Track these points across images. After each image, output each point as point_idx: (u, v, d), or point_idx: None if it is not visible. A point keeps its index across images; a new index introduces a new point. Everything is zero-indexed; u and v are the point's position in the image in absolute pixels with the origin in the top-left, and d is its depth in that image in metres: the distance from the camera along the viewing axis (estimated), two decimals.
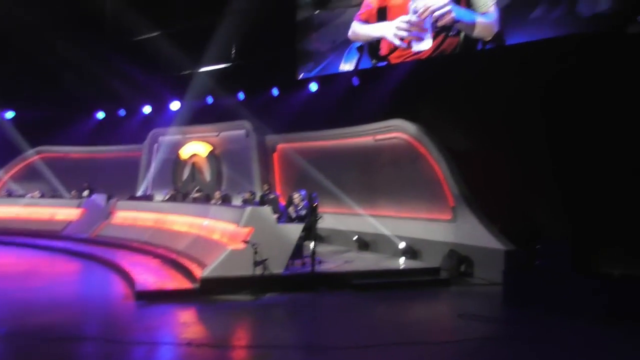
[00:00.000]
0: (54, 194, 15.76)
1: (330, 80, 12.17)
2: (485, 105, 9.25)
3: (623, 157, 7.83)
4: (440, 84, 10.09)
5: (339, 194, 11.89)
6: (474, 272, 8.99)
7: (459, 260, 9.03)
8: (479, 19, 9.59)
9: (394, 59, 10.75)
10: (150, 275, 8.28)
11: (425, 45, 10.12)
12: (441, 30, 9.84)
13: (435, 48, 10.08)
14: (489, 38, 9.54)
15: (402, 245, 10.14)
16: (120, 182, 16.21)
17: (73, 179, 16.24)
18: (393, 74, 10.93)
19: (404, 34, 10.16)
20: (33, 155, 17.70)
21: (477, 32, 9.67)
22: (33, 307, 6.68)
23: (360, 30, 11.15)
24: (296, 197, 9.53)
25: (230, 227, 8.49)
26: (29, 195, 15.22)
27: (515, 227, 8.73)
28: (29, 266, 9.89)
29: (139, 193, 15.65)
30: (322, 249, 10.61)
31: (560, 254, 6.85)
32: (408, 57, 10.52)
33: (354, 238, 11.29)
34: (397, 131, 10.98)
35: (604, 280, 6.56)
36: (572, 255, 6.83)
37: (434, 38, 10.05)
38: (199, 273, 7.71)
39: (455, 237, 9.43)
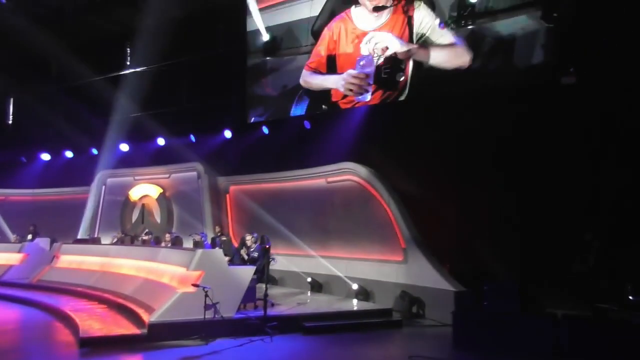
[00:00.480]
0: None
1: (282, 124, 12.42)
2: (433, 149, 9.67)
3: (564, 199, 8.35)
4: (390, 129, 10.50)
5: (292, 235, 11.92)
6: (425, 313, 9.14)
7: (411, 302, 9.18)
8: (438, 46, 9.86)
9: (344, 104, 11.12)
10: (95, 321, 7.94)
11: (368, 97, 10.60)
12: (385, 83, 10.25)
13: (381, 99, 10.53)
14: (466, 66, 9.55)
15: (354, 286, 10.21)
16: (66, 225, 15.65)
17: (15, 223, 15.58)
18: (344, 118, 11.30)
19: (351, 87, 10.60)
20: None
21: (442, 60, 9.86)
22: None
23: (311, 80, 11.53)
24: (249, 239, 9.52)
25: (180, 270, 8.32)
26: None
27: (464, 268, 9.02)
28: None
29: (84, 236, 15.09)
30: (275, 291, 10.54)
31: (507, 294, 7.07)
32: (357, 104, 10.91)
33: (308, 280, 11.27)
34: (349, 174, 11.24)
35: (549, 320, 6.78)
36: (518, 296, 7.08)
37: (377, 90, 10.49)
38: (147, 318, 7.47)
39: (407, 278, 9.61)
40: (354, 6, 10.86)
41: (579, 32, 8.39)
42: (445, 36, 9.62)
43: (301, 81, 11.69)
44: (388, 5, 10.19)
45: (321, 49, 11.37)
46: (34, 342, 7.49)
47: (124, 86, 14.24)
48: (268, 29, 12.33)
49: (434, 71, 9.81)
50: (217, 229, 12.81)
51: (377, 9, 10.26)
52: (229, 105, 13.10)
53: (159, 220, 14.97)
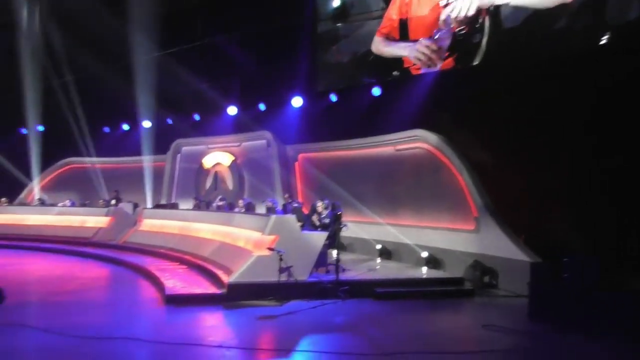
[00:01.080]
0: (83, 203, 16.20)
1: (351, 91, 12.34)
2: (508, 116, 9.29)
3: None
4: (463, 95, 10.17)
5: (360, 203, 12.01)
6: (498, 284, 9.00)
7: (483, 271, 9.05)
8: None
9: (415, 70, 10.87)
10: (178, 280, 8.49)
11: (437, 68, 10.19)
12: (460, 46, 9.78)
13: (454, 64, 10.09)
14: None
15: (424, 254, 10.18)
16: (144, 191, 16.67)
17: (100, 189, 16.77)
18: (415, 84, 11.06)
19: (421, 56, 10.24)
20: (62, 167, 18.39)
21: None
22: (71, 308, 6.98)
23: (383, 47, 11.29)
24: (320, 205, 9.68)
25: (255, 234, 8.67)
26: (60, 204, 15.70)
27: (540, 240, 8.71)
28: (63, 271, 10.23)
29: (163, 201, 15.98)
30: (345, 257, 10.71)
31: (587, 268, 6.80)
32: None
33: (377, 247, 11.37)
34: (419, 141, 11.08)
35: (630, 296, 6.47)
36: (599, 270, 6.80)
37: (451, 55, 10.03)
38: (226, 279, 7.89)
39: (479, 247, 9.44)
40: None
41: None
42: None
43: (372, 48, 11.52)
44: None
45: (393, 12, 11.09)
46: (124, 297, 8.14)
47: (196, 57, 14.61)
48: None
49: (513, 33, 9.28)
50: (286, 195, 13.11)
51: None
52: (299, 74, 13.16)
53: (231, 187, 15.54)
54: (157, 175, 16.78)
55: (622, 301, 6.40)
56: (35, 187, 17.94)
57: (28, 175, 18.12)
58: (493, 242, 9.21)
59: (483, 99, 9.77)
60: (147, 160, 17.16)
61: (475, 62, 9.73)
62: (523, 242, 8.92)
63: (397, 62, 11.04)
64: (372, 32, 11.45)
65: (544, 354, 5.52)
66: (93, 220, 14.35)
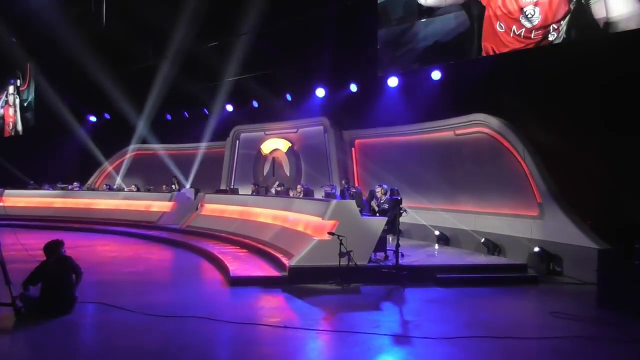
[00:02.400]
0: (148, 188, 16.97)
1: (410, 76, 12.14)
2: (575, 97, 8.89)
3: None
4: (525, 77, 9.80)
5: (419, 188, 11.90)
6: (563, 271, 8.72)
7: (548, 258, 8.79)
8: None
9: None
10: (241, 263, 8.78)
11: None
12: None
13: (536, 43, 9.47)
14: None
15: (483, 240, 9.99)
16: (206, 177, 17.26)
17: (164, 174, 17.50)
18: (476, 67, 10.75)
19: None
20: (129, 153, 19.33)
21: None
22: (143, 288, 7.40)
23: None
24: (379, 191, 9.69)
25: (315, 219, 8.81)
26: (127, 189, 16.54)
27: (608, 225, 8.34)
28: (132, 253, 10.82)
29: (223, 187, 16.47)
30: (403, 242, 10.64)
31: None
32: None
33: (435, 232, 11.26)
34: (479, 125, 10.82)
35: None
36: None
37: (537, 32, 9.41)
38: (286, 262, 8.08)
39: (543, 234, 9.17)
40: None
41: None
42: None
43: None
44: None
45: None
46: (191, 278, 8.53)
47: (254, 46, 14.81)
48: None
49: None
50: (344, 181, 13.18)
51: None
52: (357, 59, 13.07)
53: (288, 173, 15.79)
54: (218, 161, 17.32)
55: None
56: (110, 173, 19.04)
57: (96, 161, 19.22)
58: (558, 228, 8.91)
59: (548, 80, 9.38)
60: (207, 147, 17.75)
61: (557, 41, 9.10)
62: (589, 228, 8.58)
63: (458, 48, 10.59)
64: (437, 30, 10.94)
65: (613, 342, 5.33)
66: (157, 205, 15.03)
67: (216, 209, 13.57)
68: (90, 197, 16.51)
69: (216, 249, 10.44)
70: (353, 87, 13.67)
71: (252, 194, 13.53)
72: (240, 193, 14.22)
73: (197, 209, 14.29)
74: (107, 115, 19.60)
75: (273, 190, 13.50)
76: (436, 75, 11.69)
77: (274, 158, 16.29)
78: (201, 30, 15.16)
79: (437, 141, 12.01)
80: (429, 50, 10.84)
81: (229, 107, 17.10)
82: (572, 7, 8.68)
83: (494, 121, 10.45)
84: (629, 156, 8.32)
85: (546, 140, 9.54)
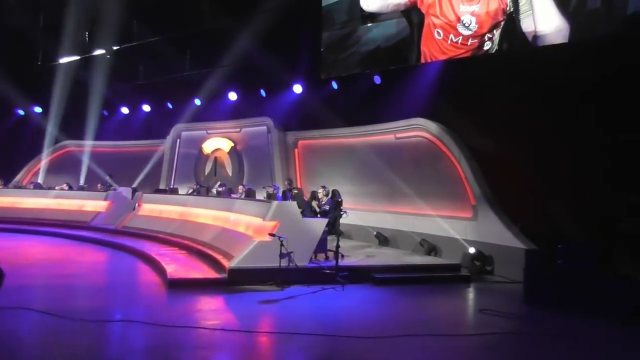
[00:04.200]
0: (81, 187, 16.22)
1: (353, 79, 12.33)
2: (509, 105, 9.33)
3: None
4: (462, 84, 10.20)
5: (359, 190, 12.09)
6: (494, 270, 9.13)
7: (480, 258, 9.18)
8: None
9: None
10: (179, 265, 8.58)
11: None
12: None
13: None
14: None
15: (421, 241, 10.30)
16: (144, 176, 16.74)
17: (99, 173, 16.79)
18: (415, 73, 11.07)
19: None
20: (59, 150, 18.36)
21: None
22: (73, 292, 7.08)
23: None
24: (320, 192, 9.78)
25: (256, 220, 8.75)
26: (57, 187, 15.72)
27: (536, 228, 8.83)
28: (62, 254, 10.31)
29: (163, 186, 16.04)
30: (343, 243, 10.76)
31: (583, 254, 6.92)
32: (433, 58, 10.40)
33: (374, 233, 11.48)
34: (419, 130, 11.13)
35: (627, 283, 6.58)
36: (595, 256, 6.91)
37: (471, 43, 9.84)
38: (226, 264, 7.98)
39: (476, 235, 9.57)
40: None
41: None
42: None
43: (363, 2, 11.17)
44: None
45: None
46: (125, 281, 8.24)
47: (197, 44, 14.56)
48: None
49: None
50: (287, 182, 13.19)
51: None
52: (300, 60, 13.11)
53: (230, 173, 15.60)
54: (157, 160, 16.84)
55: (618, 287, 6.53)
56: (35, 170, 17.97)
57: (24, 157, 18.14)
58: (490, 230, 9.34)
59: (483, 87, 9.81)
60: (145, 145, 17.22)
61: (491, 51, 9.54)
62: (519, 230, 9.05)
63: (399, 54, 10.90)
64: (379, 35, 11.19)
65: (536, 337, 5.66)
66: (91, 204, 14.41)
67: (154, 209, 13.19)
68: (16, 195, 15.55)
69: (153, 250, 10.15)
70: (297, 89, 13.70)
71: (192, 194, 13.26)
72: (180, 193, 13.90)
73: (134, 209, 13.82)
74: (36, 109, 18.46)
75: (214, 191, 13.29)
76: (378, 79, 11.93)
77: (216, 158, 16.05)
78: (153, 22, 14.75)
79: (378, 144, 12.25)
80: (371, 54, 11.07)
81: (170, 105, 16.69)
82: (504, 19, 9.13)
83: (432, 126, 10.79)
84: (558, 162, 8.84)
85: (481, 145, 9.96)
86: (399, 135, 11.73)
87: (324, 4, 11.78)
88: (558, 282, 6.97)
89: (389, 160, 11.90)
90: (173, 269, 8.15)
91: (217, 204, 11.23)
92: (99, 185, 15.93)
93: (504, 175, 9.46)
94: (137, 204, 13.81)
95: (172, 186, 15.44)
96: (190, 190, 13.77)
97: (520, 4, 8.84)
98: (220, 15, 13.93)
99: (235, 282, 7.60)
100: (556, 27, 8.61)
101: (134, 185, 16.16)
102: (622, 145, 8.03)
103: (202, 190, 13.33)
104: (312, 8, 12.08)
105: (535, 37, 8.84)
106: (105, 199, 14.33)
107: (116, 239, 11.92)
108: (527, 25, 8.88)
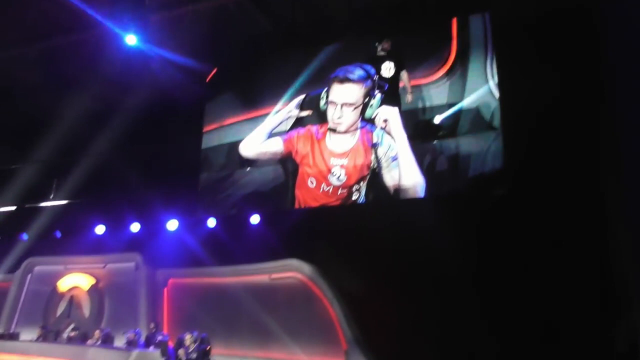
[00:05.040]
0: None
1: (230, 219, 12.42)
2: (374, 253, 9.99)
3: (499, 307, 8.74)
4: (334, 230, 10.76)
5: (232, 334, 11.52)
6: None
7: None
8: None
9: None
10: None
11: None
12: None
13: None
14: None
15: None
16: None
17: None
18: (290, 217, 11.50)
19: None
20: None
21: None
22: None
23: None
24: (187, 338, 9.18)
25: None
26: None
27: None
28: None
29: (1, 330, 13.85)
30: None
31: None
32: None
33: None
34: (293, 271, 11.27)
35: None
36: None
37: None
38: None
39: None
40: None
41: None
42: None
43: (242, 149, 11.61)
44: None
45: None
46: None
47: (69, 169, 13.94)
48: None
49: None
50: (152, 325, 12.17)
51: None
52: (178, 198, 13.01)
53: (87, 314, 14.02)
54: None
55: None
56: None
57: None
58: None
59: (352, 234, 10.44)
60: None
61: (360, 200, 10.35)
62: None
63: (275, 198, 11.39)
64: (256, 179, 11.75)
65: None
66: None
67: None
68: None
69: None
70: (171, 225, 13.37)
71: (37, 340, 11.60)
72: (22, 339, 12.06)
73: None
74: None
75: (65, 336, 11.77)
76: (254, 220, 12.15)
77: (72, 296, 14.44)
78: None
79: (252, 284, 12.05)
80: (248, 197, 11.41)
81: (24, 236, 15.18)
82: (369, 173, 10.14)
83: (306, 268, 11.01)
84: (427, 308, 9.37)
85: (353, 288, 10.31)
86: (273, 276, 11.71)
87: (203, 146, 12.16)
88: None
89: (263, 301, 11.66)
90: None
91: (66, 352, 9.93)
92: None
93: (376, 319, 9.74)
94: None
95: (12, 331, 13.38)
96: (36, 336, 12.04)
97: (383, 161, 9.95)
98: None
99: None
100: (414, 183, 9.71)
101: None
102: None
103: (49, 335, 11.75)
104: (191, 148, 12.37)
105: (397, 190, 9.83)
106: None
107: None
108: (388, 179, 9.93)
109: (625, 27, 6.35)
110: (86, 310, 14.12)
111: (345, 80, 10.21)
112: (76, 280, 14.52)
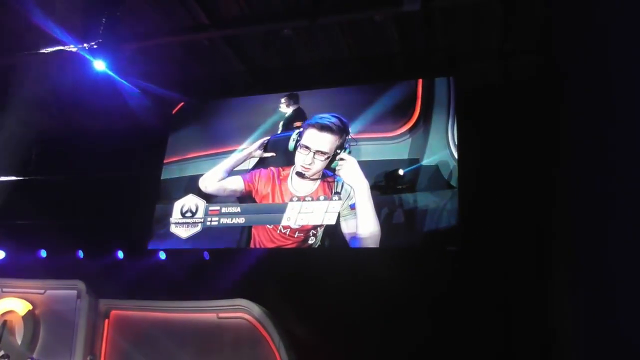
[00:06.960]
0: None
1: (181, 253, 12.15)
2: (327, 298, 9.98)
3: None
4: (288, 273, 10.72)
5: None
6: None
7: None
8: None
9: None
10: None
11: None
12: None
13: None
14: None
15: None
16: None
17: None
18: (245, 256, 11.38)
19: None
20: None
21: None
22: None
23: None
24: None
25: None
26: None
27: None
28: None
29: None
30: None
31: None
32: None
33: None
34: (242, 311, 11.06)
35: None
36: None
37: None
38: None
39: None
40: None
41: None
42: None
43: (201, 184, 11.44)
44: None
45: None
46: None
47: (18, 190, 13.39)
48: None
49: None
50: (89, 358, 11.62)
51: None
52: (128, 226, 12.67)
53: (20, 342, 13.22)
54: None
55: None
56: None
57: None
58: None
59: (307, 278, 10.43)
60: None
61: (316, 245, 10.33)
62: None
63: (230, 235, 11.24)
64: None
65: None
66: None
67: None
68: None
69: None
70: (120, 254, 12.95)
71: None
72: None
73: None
74: None
75: None
76: (207, 255, 11.94)
77: (5, 321, 13.61)
78: None
79: (199, 322, 11.71)
80: (202, 232, 11.20)
81: None
82: None
83: (256, 309, 10.83)
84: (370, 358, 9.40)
85: (303, 335, 10.21)
86: (221, 314, 11.44)
87: (162, 177, 11.96)
88: None
89: (209, 341, 11.35)
90: None
91: None
92: None
93: None
94: None
95: None
96: None
97: (341, 209, 10.05)
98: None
99: None
100: (371, 233, 9.83)
101: None
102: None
103: None
104: (151, 179, 12.16)
105: (353, 238, 9.93)
106: None
107: None
108: (344, 227, 10.01)
109: (586, 94, 6.72)
110: (19, 337, 13.32)
111: (325, 128, 10.36)
112: (11, 304, 13.72)
